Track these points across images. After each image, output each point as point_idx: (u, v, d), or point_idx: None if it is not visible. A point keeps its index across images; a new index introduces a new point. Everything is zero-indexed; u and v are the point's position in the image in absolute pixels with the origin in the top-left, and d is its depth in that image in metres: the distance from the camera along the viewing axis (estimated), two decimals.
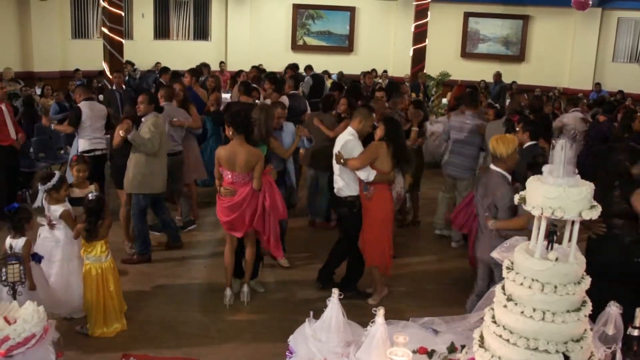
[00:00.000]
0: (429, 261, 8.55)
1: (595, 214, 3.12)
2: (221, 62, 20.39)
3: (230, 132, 6.57)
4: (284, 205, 6.88)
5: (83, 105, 9.07)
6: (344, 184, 6.87)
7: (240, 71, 14.43)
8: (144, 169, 7.68)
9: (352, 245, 7.08)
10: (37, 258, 5.91)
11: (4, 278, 5.44)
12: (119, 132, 7.53)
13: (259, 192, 6.54)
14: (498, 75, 18.88)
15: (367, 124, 6.94)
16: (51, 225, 6.34)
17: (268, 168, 6.72)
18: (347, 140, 6.82)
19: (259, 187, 6.51)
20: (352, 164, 6.67)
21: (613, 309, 3.71)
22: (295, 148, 7.81)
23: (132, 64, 19.13)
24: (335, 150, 6.88)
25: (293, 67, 14.44)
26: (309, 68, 18.34)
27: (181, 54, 20.27)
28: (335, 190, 7.07)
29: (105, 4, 15.41)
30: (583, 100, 12.24)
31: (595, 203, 3.18)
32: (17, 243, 5.66)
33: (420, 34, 19.61)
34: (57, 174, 6.37)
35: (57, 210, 6.29)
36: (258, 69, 15.34)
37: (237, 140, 6.49)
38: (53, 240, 6.36)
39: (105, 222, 6.05)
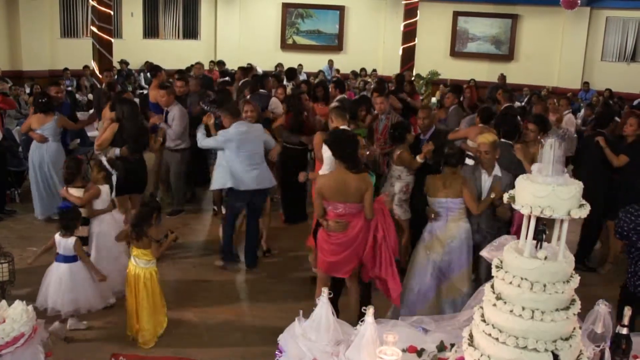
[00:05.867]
0: None
1: (584, 212, 3.13)
2: (211, 62, 20.32)
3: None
4: (397, 239, 6.14)
5: None
6: None
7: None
8: None
9: None
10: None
11: None
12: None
13: (370, 221, 5.85)
14: (503, 78, 18.43)
15: None
16: None
17: (383, 196, 6.22)
18: None
19: (372, 216, 5.80)
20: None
21: (602, 308, 3.73)
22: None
23: (127, 63, 19.08)
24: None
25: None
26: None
27: (171, 53, 20.22)
28: None
29: (95, 3, 15.33)
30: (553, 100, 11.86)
31: (584, 202, 3.19)
32: (66, 242, 5.78)
33: (409, 33, 19.63)
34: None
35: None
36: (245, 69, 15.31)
37: (341, 168, 5.82)
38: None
39: (151, 230, 5.81)
